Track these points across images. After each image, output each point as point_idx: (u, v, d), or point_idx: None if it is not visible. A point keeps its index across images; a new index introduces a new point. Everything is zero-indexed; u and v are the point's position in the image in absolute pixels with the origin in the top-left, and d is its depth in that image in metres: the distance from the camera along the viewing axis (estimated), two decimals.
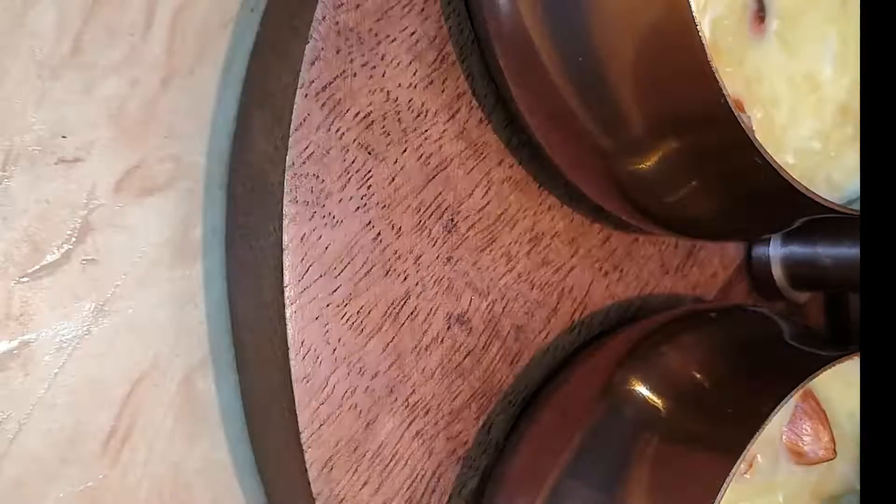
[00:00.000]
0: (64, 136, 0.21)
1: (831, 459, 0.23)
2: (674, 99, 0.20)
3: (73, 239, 0.21)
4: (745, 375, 0.23)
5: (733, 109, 0.19)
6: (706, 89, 0.19)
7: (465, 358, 0.24)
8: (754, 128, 0.22)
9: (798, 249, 0.28)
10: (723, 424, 0.21)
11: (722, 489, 0.20)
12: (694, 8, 0.19)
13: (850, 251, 0.26)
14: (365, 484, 0.22)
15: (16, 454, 0.21)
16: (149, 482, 0.23)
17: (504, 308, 0.24)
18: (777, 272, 0.28)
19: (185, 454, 0.23)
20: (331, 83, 0.21)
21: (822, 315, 0.31)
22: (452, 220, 0.23)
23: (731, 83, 0.22)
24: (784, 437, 0.23)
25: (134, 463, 0.22)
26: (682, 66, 0.19)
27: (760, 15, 0.22)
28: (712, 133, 0.20)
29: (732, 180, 0.21)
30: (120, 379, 0.22)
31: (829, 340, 0.27)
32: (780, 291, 0.29)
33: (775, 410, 0.21)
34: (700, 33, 0.18)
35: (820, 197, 0.21)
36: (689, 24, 0.18)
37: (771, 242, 0.28)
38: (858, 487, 0.24)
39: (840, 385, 0.24)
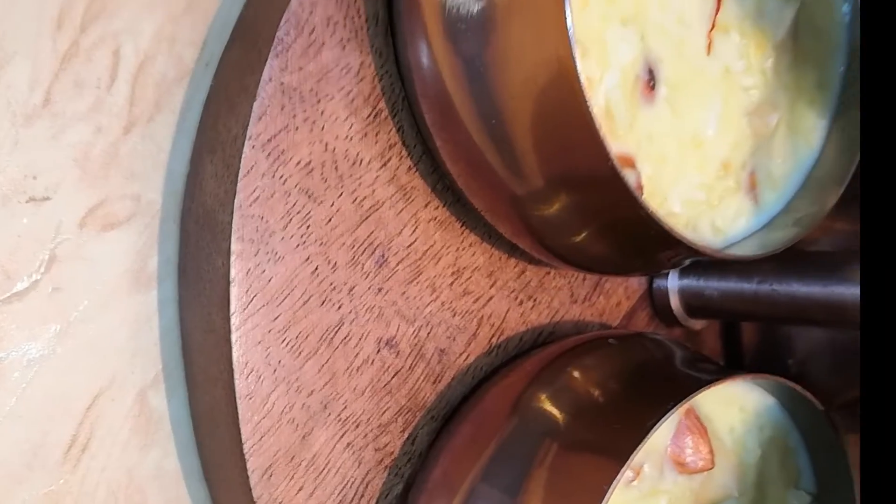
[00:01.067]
0: (34, 178, 0.24)
1: (710, 469, 0.27)
2: (569, 159, 0.23)
3: (42, 269, 0.24)
4: (636, 394, 0.26)
5: (619, 170, 0.22)
6: (595, 153, 0.22)
7: (392, 378, 0.26)
8: (644, 183, 0.25)
9: (692, 282, 0.31)
10: (613, 436, 0.24)
11: (609, 492, 0.23)
12: (585, 82, 0.22)
13: (735, 285, 0.30)
14: (300, 489, 0.25)
15: None
16: (105, 487, 0.25)
17: (429, 333, 0.27)
18: (675, 302, 0.32)
19: (139, 462, 0.26)
20: (275, 136, 0.24)
21: (718, 340, 0.34)
22: (383, 255, 0.26)
23: (624, 143, 0.25)
24: (668, 449, 0.26)
25: (92, 469, 0.25)
26: (575, 132, 0.22)
27: (651, 84, 0.26)
28: (603, 189, 0.23)
29: (624, 229, 0.24)
30: (81, 394, 0.25)
31: (717, 364, 0.30)
32: (678, 319, 0.32)
33: (658, 425, 0.24)
34: (589, 105, 0.22)
35: (696, 244, 0.25)
36: (581, 97, 0.22)
37: (669, 275, 0.31)
38: (736, 494, 0.28)
39: (720, 404, 0.27)
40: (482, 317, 0.28)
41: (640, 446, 0.23)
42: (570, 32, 0.21)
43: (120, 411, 0.25)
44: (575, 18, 0.23)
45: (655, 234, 0.24)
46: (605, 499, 0.23)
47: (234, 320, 0.24)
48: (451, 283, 0.28)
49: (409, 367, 0.27)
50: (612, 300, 0.31)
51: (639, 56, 0.25)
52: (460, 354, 0.28)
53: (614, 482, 0.23)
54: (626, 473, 0.25)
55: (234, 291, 0.24)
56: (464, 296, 0.28)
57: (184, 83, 0.26)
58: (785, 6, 0.28)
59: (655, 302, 0.32)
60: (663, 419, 0.24)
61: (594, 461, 0.24)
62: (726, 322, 0.34)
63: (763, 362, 0.34)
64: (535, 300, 0.30)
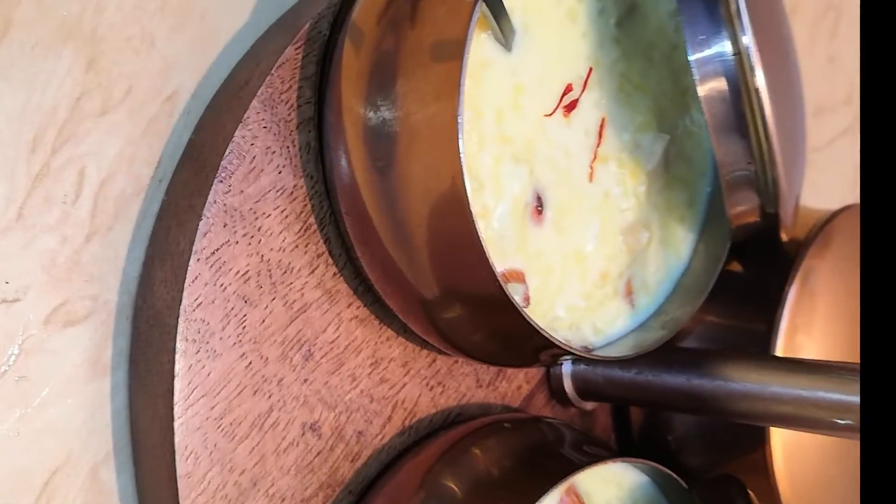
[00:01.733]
0: (7, 282, 0.27)
1: None
2: (464, 276, 0.28)
3: (10, 361, 0.28)
4: (525, 472, 0.30)
5: (505, 289, 0.27)
6: (484, 273, 0.27)
7: (315, 457, 0.30)
8: (531, 293, 0.30)
9: (582, 369, 0.36)
10: None
11: None
12: (478, 212, 0.27)
13: (618, 373, 0.34)
14: None
15: None
16: None
17: (348, 417, 0.31)
18: (568, 386, 0.36)
19: None
20: (217, 249, 0.28)
21: (609, 418, 0.39)
22: (310, 350, 0.30)
23: (514, 260, 0.30)
24: None
25: None
26: (468, 254, 0.27)
27: (539, 208, 0.30)
28: (492, 303, 0.27)
29: (513, 335, 0.29)
30: (40, 470, 0.28)
31: (600, 446, 0.35)
32: (572, 401, 0.36)
33: (540, 499, 0.28)
34: (480, 234, 0.26)
35: (573, 349, 0.29)
36: (472, 227, 0.26)
37: (563, 363, 0.36)
38: None
39: (599, 482, 0.32)
40: (396, 402, 0.33)
41: None
42: (464, 173, 0.26)
43: (74, 484, 0.29)
44: (471, 159, 0.28)
45: (539, 340, 0.29)
46: None
47: (177, 409, 0.27)
48: (370, 373, 0.32)
49: (330, 448, 0.31)
50: (513, 384, 0.36)
51: (528, 186, 0.30)
52: (376, 436, 0.32)
53: None
54: None
55: (178, 384, 0.27)
56: (381, 383, 0.32)
57: (140, 198, 0.30)
58: (657, 140, 0.33)
59: (552, 386, 0.36)
60: (545, 495, 0.28)
61: None
62: (615, 406, 0.38)
63: (647, 439, 0.38)
64: (444, 386, 0.34)
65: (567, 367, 0.36)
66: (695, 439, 0.37)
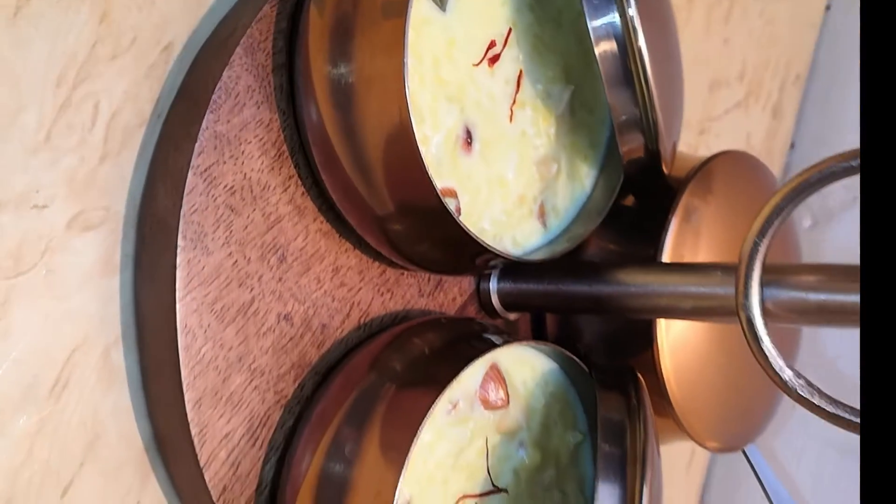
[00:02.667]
0: (37, 192, 0.34)
1: (506, 408, 0.38)
2: (410, 192, 0.35)
3: (40, 257, 0.34)
4: (456, 353, 0.37)
5: (442, 200, 0.34)
6: (427, 188, 0.34)
7: (288, 342, 0.37)
8: (462, 207, 0.37)
9: (505, 285, 0.43)
10: (435, 380, 0.36)
11: (428, 414, 0.34)
12: (421, 140, 0.34)
13: (532, 286, 0.42)
14: (221, 416, 0.35)
15: None
16: (78, 418, 0.35)
17: (315, 312, 0.38)
18: (494, 299, 0.43)
19: (102, 401, 0.35)
20: (209, 167, 0.35)
21: (529, 327, 0.46)
22: (283, 255, 0.37)
23: (448, 180, 0.37)
24: (477, 391, 0.38)
25: (69, 404, 0.34)
26: (414, 174, 0.34)
27: (468, 141, 0.38)
28: (433, 214, 0.35)
29: (450, 241, 0.36)
30: (63, 348, 0.34)
31: (513, 340, 0.42)
32: (497, 312, 0.44)
33: (462, 372, 0.35)
34: (423, 156, 0.33)
35: (499, 251, 0.37)
36: (416, 151, 0.33)
37: (490, 278, 0.43)
38: (525, 428, 0.39)
39: (516, 363, 0.39)
40: (353, 303, 0.40)
41: (449, 386, 0.35)
42: (409, 107, 0.33)
43: (90, 362, 0.35)
44: (414, 96, 0.35)
45: (470, 246, 0.36)
46: (425, 419, 0.34)
47: (178, 294, 0.34)
48: (332, 277, 0.39)
49: (300, 335, 0.38)
50: (449, 296, 0.43)
51: (459, 122, 0.37)
52: (337, 328, 0.39)
53: (432, 409, 0.34)
54: (446, 405, 0.36)
55: (179, 274, 0.34)
56: (340, 286, 0.39)
57: (142, 128, 0.36)
58: (564, 90, 0.40)
59: (481, 298, 0.44)
60: (470, 365, 0.36)
61: (422, 395, 0.35)
62: (534, 314, 0.46)
63: (560, 343, 0.46)
64: (392, 293, 0.41)
65: (493, 283, 0.44)
66: (598, 342, 0.45)
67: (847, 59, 0.76)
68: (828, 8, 0.77)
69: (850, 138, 0.71)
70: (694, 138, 0.64)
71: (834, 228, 0.69)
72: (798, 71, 0.75)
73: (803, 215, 0.70)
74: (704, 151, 0.62)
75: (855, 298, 0.32)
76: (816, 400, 0.33)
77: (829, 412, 0.33)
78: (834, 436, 0.61)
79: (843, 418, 0.33)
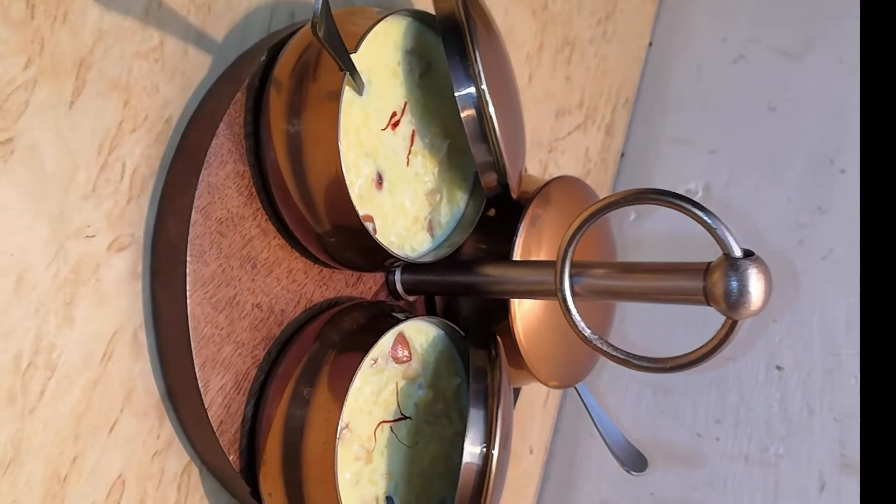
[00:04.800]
0: (88, 226, 0.49)
1: (409, 362, 0.56)
2: (341, 217, 0.52)
3: (93, 271, 0.50)
4: (373, 324, 0.55)
5: (363, 223, 0.51)
6: (353, 215, 0.51)
7: (259, 322, 0.54)
8: (377, 227, 0.55)
9: (407, 276, 0.61)
10: (361, 345, 0.53)
11: (357, 369, 0.52)
12: (349, 183, 0.51)
13: (425, 277, 0.60)
14: (217, 374, 0.52)
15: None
16: (118, 377, 0.51)
17: (276, 301, 0.55)
18: (398, 287, 0.61)
19: (133, 366, 0.51)
20: (205, 206, 0.51)
21: (423, 307, 0.64)
22: (255, 263, 0.54)
23: (368, 209, 0.55)
24: (390, 351, 0.56)
25: (112, 368, 0.51)
26: (343, 205, 0.51)
27: (380, 181, 0.55)
28: (356, 232, 0.52)
29: (367, 251, 0.54)
30: (108, 331, 0.50)
31: (413, 315, 0.60)
32: (401, 295, 0.62)
33: (379, 339, 0.53)
34: (350, 193, 0.51)
35: (402, 256, 0.54)
36: (346, 191, 0.51)
37: (396, 273, 0.61)
38: (422, 375, 0.58)
39: (416, 332, 0.57)
40: (301, 294, 0.57)
41: (372, 347, 0.53)
42: (341, 162, 0.50)
43: (124, 341, 0.51)
44: (343, 155, 0.53)
45: (383, 253, 0.54)
46: (356, 371, 0.52)
47: (188, 293, 0.50)
48: (287, 277, 0.56)
49: (267, 318, 0.55)
50: (367, 286, 0.61)
51: (373, 169, 0.55)
52: (291, 312, 0.56)
53: (360, 363, 0.52)
54: (369, 361, 0.54)
55: (189, 280, 0.50)
56: (293, 283, 0.56)
57: (153, 178, 0.52)
58: (443, 142, 0.58)
59: (389, 286, 0.62)
60: (385, 335, 0.54)
61: (353, 356, 0.53)
62: (428, 297, 0.64)
63: (445, 316, 0.64)
64: (328, 285, 0.58)
65: (398, 276, 0.61)
66: (471, 316, 0.64)
67: (665, 85, 0.97)
68: (650, 45, 0.98)
69: (665, 149, 0.93)
70: (545, 156, 0.84)
71: (651, 221, 0.90)
72: (627, 96, 0.95)
73: (629, 212, 0.90)
74: (552, 166, 0.81)
75: (627, 283, 0.51)
76: (605, 347, 0.52)
77: (614, 356, 0.52)
78: (647, 378, 0.82)
79: (623, 358, 0.52)
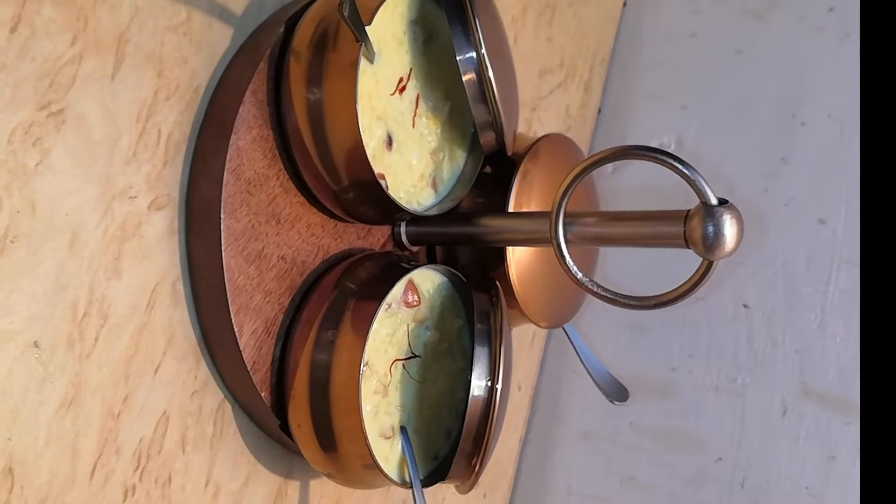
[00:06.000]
0: (131, 187, 0.54)
1: (418, 306, 0.62)
2: (357, 174, 0.57)
3: (136, 230, 0.55)
4: (386, 273, 0.61)
5: (377, 178, 0.57)
6: (369, 172, 0.57)
7: (284, 273, 0.60)
8: (389, 183, 0.60)
9: (412, 229, 0.67)
10: (376, 292, 0.59)
11: (375, 313, 0.57)
12: (366, 149, 0.56)
13: (429, 229, 0.66)
14: (249, 320, 0.58)
15: None
16: (160, 324, 0.56)
17: (298, 253, 0.61)
18: (404, 239, 0.67)
19: (172, 314, 0.57)
20: (236, 168, 0.56)
21: (425, 255, 0.70)
22: (279, 219, 0.59)
23: (379, 167, 0.60)
24: (401, 297, 0.61)
25: (155, 315, 0.56)
26: (360, 162, 0.57)
27: (390, 142, 0.61)
28: (370, 187, 0.58)
29: (380, 205, 0.59)
30: (151, 282, 0.56)
31: (424, 264, 0.66)
32: (406, 246, 0.68)
33: (393, 286, 0.59)
34: (366, 151, 0.56)
35: (411, 210, 0.60)
36: (363, 149, 0.56)
37: (402, 225, 0.67)
38: (429, 318, 0.64)
39: (423, 280, 0.63)
40: (319, 246, 0.62)
41: (388, 295, 0.59)
42: (359, 125, 0.56)
43: (165, 291, 0.57)
44: (360, 118, 0.58)
45: (394, 207, 0.59)
46: (375, 315, 0.58)
47: (223, 247, 0.56)
48: (306, 230, 0.61)
49: (290, 269, 0.60)
50: (376, 237, 0.66)
51: (384, 131, 0.60)
52: (311, 263, 0.62)
53: (377, 308, 0.58)
54: (384, 306, 0.60)
55: (222, 233, 0.56)
56: (311, 236, 0.62)
57: (185, 143, 0.57)
58: (445, 104, 0.64)
59: (395, 238, 0.67)
60: (398, 282, 0.60)
61: (370, 302, 0.59)
62: (429, 247, 0.70)
63: (448, 264, 0.70)
64: (342, 238, 0.64)
65: (403, 227, 0.67)
66: (471, 264, 0.70)
67: (639, 44, 1.03)
68: (624, 5, 1.04)
69: (639, 104, 1.00)
70: (529, 114, 0.89)
71: (627, 173, 0.96)
72: (603, 55, 1.01)
73: (608, 166, 0.97)
74: (536, 124, 0.87)
75: (614, 230, 0.58)
76: (596, 288, 0.58)
77: (604, 295, 0.58)
78: (626, 318, 0.90)
79: (611, 298, 0.58)
